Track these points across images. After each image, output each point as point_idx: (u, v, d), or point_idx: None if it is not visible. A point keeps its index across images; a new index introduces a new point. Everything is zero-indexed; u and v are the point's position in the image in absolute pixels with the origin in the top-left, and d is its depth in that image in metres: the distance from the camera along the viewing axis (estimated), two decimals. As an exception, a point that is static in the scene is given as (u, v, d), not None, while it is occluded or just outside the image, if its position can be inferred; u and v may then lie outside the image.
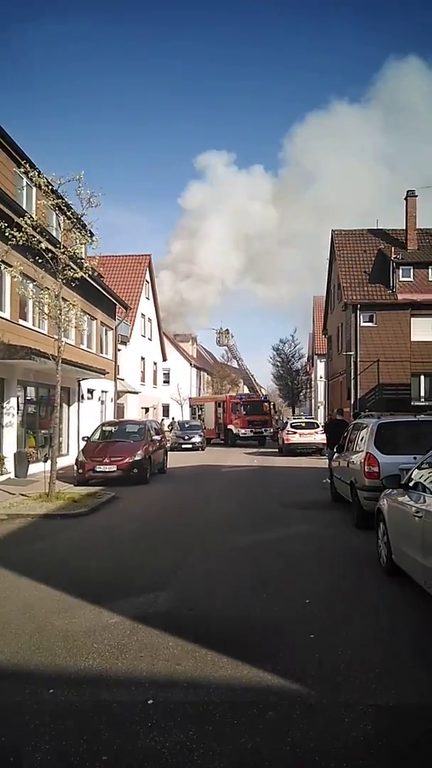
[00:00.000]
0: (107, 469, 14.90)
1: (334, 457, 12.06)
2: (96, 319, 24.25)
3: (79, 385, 21.72)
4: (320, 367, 52.58)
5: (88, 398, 23.25)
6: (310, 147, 74.33)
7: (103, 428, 17.16)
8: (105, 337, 26.75)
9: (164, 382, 50.18)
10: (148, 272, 38.47)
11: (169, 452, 31.64)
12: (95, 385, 23.77)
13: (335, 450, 11.63)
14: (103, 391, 25.32)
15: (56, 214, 13.14)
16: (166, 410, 49.57)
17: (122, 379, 31.70)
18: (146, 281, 38.25)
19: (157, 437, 16.83)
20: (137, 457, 15.22)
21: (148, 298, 38.85)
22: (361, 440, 9.49)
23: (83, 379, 21.55)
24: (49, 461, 12.11)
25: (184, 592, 5.90)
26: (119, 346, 31.63)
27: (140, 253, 38.73)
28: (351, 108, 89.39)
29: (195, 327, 57.32)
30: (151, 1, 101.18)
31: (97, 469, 14.92)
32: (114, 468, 14.89)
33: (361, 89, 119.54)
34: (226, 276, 58.46)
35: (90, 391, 23.56)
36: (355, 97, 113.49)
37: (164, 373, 51.09)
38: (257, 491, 14.03)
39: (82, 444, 16.56)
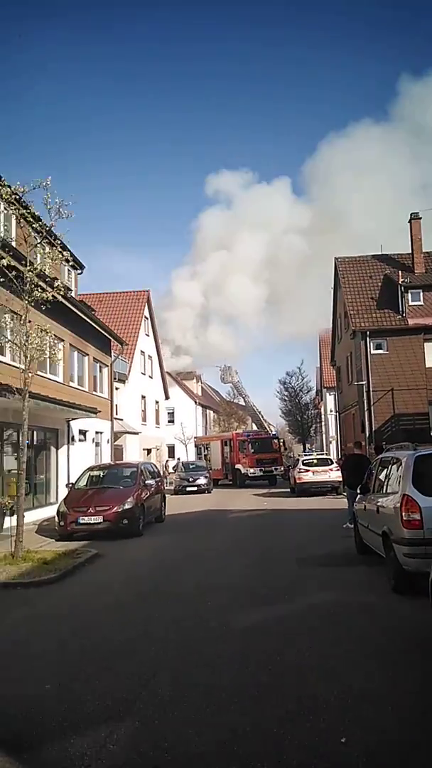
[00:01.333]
0: (92, 521, 12.90)
1: (357, 499, 10.06)
2: (88, 355, 22.61)
3: (69, 425, 19.89)
4: (329, 400, 50.61)
5: (80, 440, 21.37)
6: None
7: (91, 473, 15.22)
8: (99, 375, 25.07)
9: (168, 421, 48.33)
10: (147, 308, 37.15)
11: (173, 495, 29.83)
12: (88, 425, 21.94)
13: (359, 491, 9.63)
14: (97, 432, 23.46)
15: (20, 226, 11.50)
16: (171, 451, 47.55)
17: (120, 419, 29.88)
18: (145, 317, 36.88)
19: (152, 481, 14.85)
20: (127, 506, 13.23)
21: (147, 335, 37.42)
22: (393, 479, 7.53)
23: (73, 419, 19.74)
24: (17, 515, 10.15)
25: (155, 726, 3.89)
26: (117, 385, 29.95)
27: (139, 289, 37.49)
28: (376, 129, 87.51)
29: (199, 364, 55.08)
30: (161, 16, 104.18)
31: (81, 521, 12.93)
32: (100, 519, 12.89)
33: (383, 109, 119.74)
34: (243, 310, 57.10)
35: (82, 433, 21.71)
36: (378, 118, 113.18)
37: (168, 413, 49.31)
38: (268, 542, 11.95)
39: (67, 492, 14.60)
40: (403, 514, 6.64)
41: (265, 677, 4.62)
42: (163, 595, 7.56)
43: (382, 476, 8.35)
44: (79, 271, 23.85)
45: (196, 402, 52.28)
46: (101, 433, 24.25)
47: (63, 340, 19.84)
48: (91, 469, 15.53)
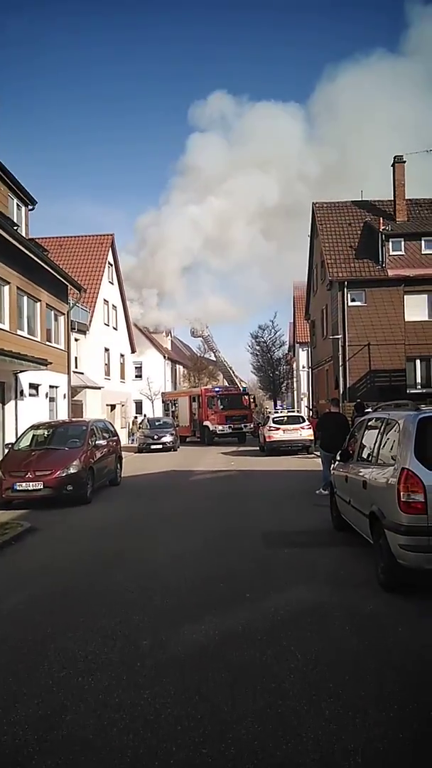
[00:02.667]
0: (31, 487, 11.21)
1: (335, 465, 8.55)
2: (40, 301, 20.41)
3: (17, 379, 17.91)
4: (302, 356, 49.21)
5: (31, 395, 19.43)
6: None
7: (35, 432, 13.43)
8: (55, 324, 22.92)
9: (135, 376, 46.39)
10: (111, 254, 34.59)
11: (136, 454, 28.33)
12: (41, 378, 19.97)
13: (338, 457, 8.09)
14: (52, 387, 21.50)
15: None
16: (138, 407, 45.83)
17: (81, 373, 27.89)
18: (109, 263, 34.37)
19: (103, 441, 13.14)
20: (72, 470, 11.55)
21: (111, 283, 34.99)
22: (386, 447, 5.95)
23: (21, 371, 17.77)
24: None
25: None
26: (76, 336, 27.82)
27: (102, 233, 34.81)
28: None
29: (168, 318, 52.38)
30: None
31: (18, 488, 11.23)
32: (40, 485, 11.21)
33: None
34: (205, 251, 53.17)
35: (34, 387, 19.73)
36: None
37: (135, 367, 47.31)
38: (232, 511, 10.45)
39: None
40: (402, 493, 5.08)
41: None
42: (89, 595, 5.95)
43: (368, 441, 6.78)
44: (31, 207, 21.36)
45: (165, 356, 50.29)
46: (56, 387, 22.30)
47: (9, 283, 17.66)
48: (35, 427, 13.71)
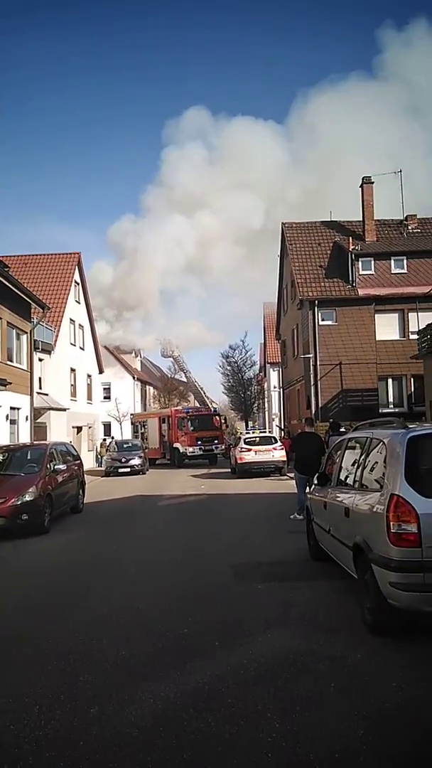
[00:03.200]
0: (-19, 518, 10.24)
1: (312, 489, 7.89)
2: (1, 319, 19.50)
3: (-27, 400, 16.91)
4: (273, 377, 48.92)
5: (-11, 417, 18.42)
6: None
7: (-12, 457, 12.46)
8: (17, 343, 21.98)
9: (104, 397, 45.33)
10: (77, 272, 33.82)
11: (103, 478, 27.25)
12: (1, 400, 18.95)
13: (315, 481, 7.45)
14: (13, 408, 20.47)
15: None
16: (107, 429, 44.68)
17: (45, 394, 26.84)
18: (75, 282, 33.57)
19: (63, 466, 12.25)
20: (27, 497, 10.63)
21: (78, 302, 34.16)
22: (371, 470, 5.33)
23: (-22, 392, 16.77)
24: None
25: None
26: (41, 356, 26.87)
27: (68, 251, 34.06)
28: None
29: (139, 340, 51.50)
30: None
31: (-35, 518, 10.24)
32: (-10, 515, 10.25)
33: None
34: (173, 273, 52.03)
35: (-8, 408, 18.73)
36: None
37: (104, 389, 46.27)
38: (200, 540, 9.67)
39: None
40: (392, 523, 4.44)
41: None
42: (29, 647, 5.10)
43: (349, 463, 6.15)
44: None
45: (134, 377, 49.37)
46: (18, 409, 21.26)
47: None
48: (-12, 451, 12.74)
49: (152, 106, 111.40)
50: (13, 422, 20.75)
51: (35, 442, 14.97)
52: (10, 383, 17.69)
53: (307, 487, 11.37)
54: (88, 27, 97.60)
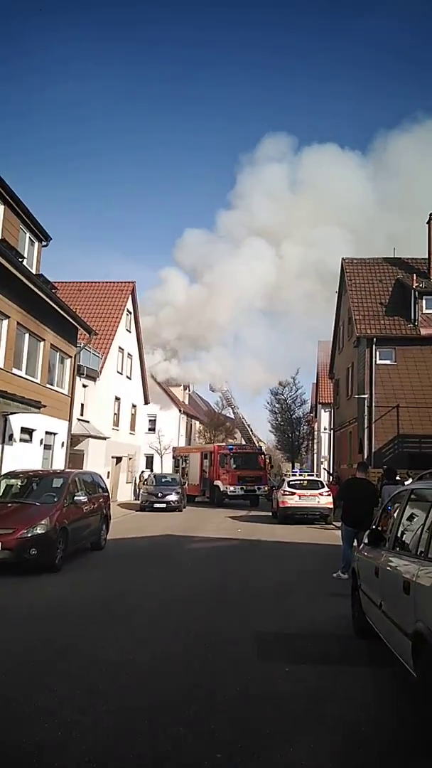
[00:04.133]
0: (-15, 548, 9.24)
1: (361, 548, 6.45)
2: (44, 340, 19.03)
3: (7, 420, 16.25)
4: (325, 418, 46.98)
5: (23, 440, 17.72)
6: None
7: (6, 482, 11.55)
8: (61, 367, 21.49)
9: (149, 429, 44.67)
10: (130, 301, 33.62)
11: (137, 512, 26.11)
12: (35, 423, 18.28)
13: (366, 539, 6.04)
14: (48, 433, 19.78)
15: None
16: (149, 462, 43.80)
17: (86, 421, 26.22)
18: (128, 311, 33.33)
19: (83, 497, 11.17)
20: (39, 530, 9.56)
21: (128, 331, 33.84)
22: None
23: (11, 413, 16.12)
24: None
25: None
26: (85, 382, 26.39)
27: (123, 280, 34.01)
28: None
29: (194, 373, 50.80)
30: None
31: (-31, 548, 9.26)
32: (-3, 547, 9.24)
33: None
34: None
35: (27, 431, 18.05)
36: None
37: (149, 420, 45.66)
38: (225, 598, 8.29)
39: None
40: None
41: None
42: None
43: (412, 523, 4.75)
44: (44, 244, 20.38)
45: (180, 410, 48.55)
46: (54, 434, 20.58)
47: (8, 317, 16.35)
48: (7, 476, 11.85)
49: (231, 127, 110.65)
50: (47, 447, 20.04)
51: (58, 470, 14.03)
52: (45, 406, 16.98)
53: (355, 544, 9.87)
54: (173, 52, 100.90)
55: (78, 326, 21.73)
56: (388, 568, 4.83)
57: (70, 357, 22.11)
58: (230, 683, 4.83)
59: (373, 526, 5.88)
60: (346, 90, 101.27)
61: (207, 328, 46.29)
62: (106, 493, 13.88)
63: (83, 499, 11.17)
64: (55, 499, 10.60)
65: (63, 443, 21.42)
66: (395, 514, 5.51)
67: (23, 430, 17.71)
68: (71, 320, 20.64)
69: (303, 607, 7.62)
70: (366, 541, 5.89)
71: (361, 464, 10.55)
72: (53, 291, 19.42)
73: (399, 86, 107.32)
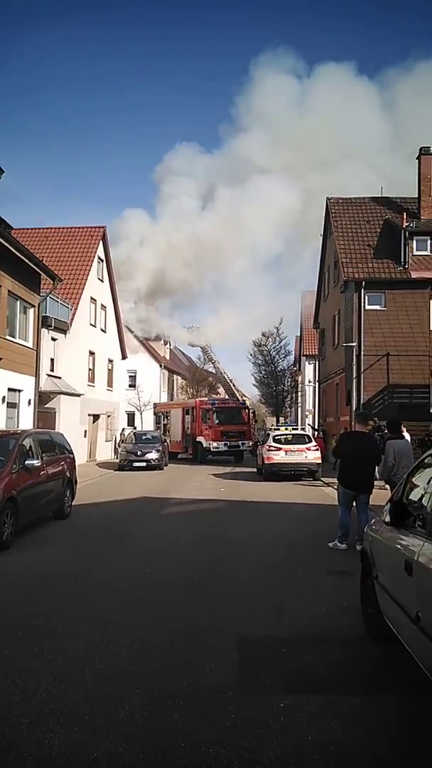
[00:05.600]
0: None
1: (380, 527, 4.90)
2: (0, 286, 17.01)
3: (-43, 377, 14.45)
4: (309, 370, 45.66)
5: (-20, 398, 15.98)
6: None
7: None
8: (22, 317, 19.52)
9: (129, 386, 42.98)
10: (102, 247, 31.29)
11: (116, 472, 24.72)
12: (-6, 379, 16.51)
13: (387, 512, 4.49)
14: (11, 390, 18.01)
15: None
16: (131, 419, 42.30)
17: (57, 377, 24.43)
18: (99, 258, 31.05)
19: (36, 462, 9.53)
20: (-23, 503, 7.97)
21: (101, 280, 31.64)
22: None
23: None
24: None
25: None
26: (54, 335, 24.43)
27: (93, 225, 31.54)
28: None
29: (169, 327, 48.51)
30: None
31: None
32: None
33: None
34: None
35: (-15, 388, 16.29)
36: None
37: (129, 376, 43.92)
38: (198, 582, 6.82)
39: None
40: None
41: None
42: None
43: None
44: (-5, 176, 18.08)
45: (161, 365, 46.82)
46: (19, 391, 18.81)
47: None
48: None
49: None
50: (11, 406, 18.31)
51: (5, 430, 12.24)
52: (1, 358, 15.19)
53: (354, 505, 8.47)
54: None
55: (39, 271, 19.64)
56: (410, 550, 3.33)
57: (33, 306, 20.11)
58: (200, 730, 3.33)
59: (396, 497, 4.35)
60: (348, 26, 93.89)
61: (182, 281, 44.08)
62: (71, 455, 12.29)
63: (36, 463, 9.55)
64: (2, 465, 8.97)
65: (30, 401, 19.69)
66: (422, 483, 4.00)
67: (-21, 386, 15.95)
68: (30, 263, 18.50)
69: (297, 594, 6.19)
70: (386, 517, 4.36)
71: (360, 415, 8.96)
72: (7, 230, 17.27)
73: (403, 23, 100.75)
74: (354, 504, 8.46)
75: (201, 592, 6.28)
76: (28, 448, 9.81)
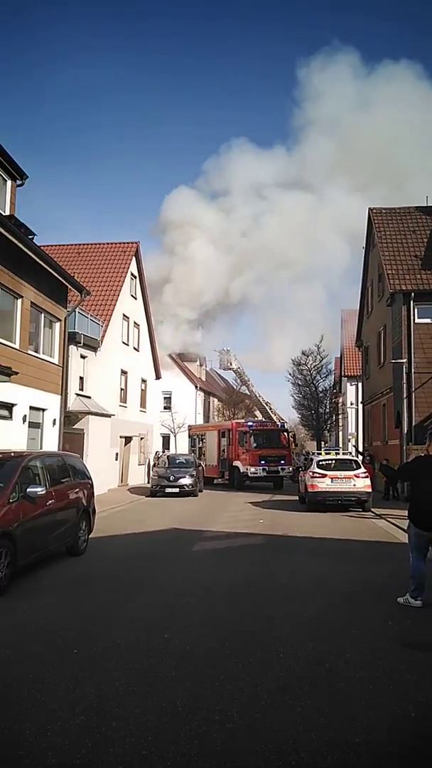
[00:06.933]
0: None
1: None
2: (21, 297, 15.95)
3: (-28, 393, 13.27)
4: (351, 392, 43.45)
5: (0, 416, 14.78)
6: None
7: None
8: (48, 331, 18.43)
9: (164, 407, 41.84)
10: (135, 264, 30.36)
11: (147, 498, 23.19)
12: (14, 396, 15.32)
13: None
14: (33, 408, 16.79)
15: None
16: (166, 442, 40.98)
17: (87, 396, 23.24)
18: (132, 275, 30.10)
19: (40, 490, 8.08)
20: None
21: (134, 297, 30.63)
22: None
23: (-23, 383, 13.12)
24: None
25: None
26: (84, 352, 23.35)
27: (127, 240, 30.69)
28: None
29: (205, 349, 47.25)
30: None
31: None
32: None
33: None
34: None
35: (5, 406, 15.09)
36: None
37: (165, 398, 42.78)
38: (235, 649, 5.15)
39: None
40: None
41: None
42: None
43: None
44: (19, 183, 17.18)
45: (196, 387, 45.48)
46: (43, 410, 17.60)
47: None
48: None
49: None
50: (34, 426, 17.07)
51: (7, 451, 10.82)
52: (16, 373, 13.96)
53: (430, 551, 6.67)
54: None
55: (66, 283, 18.56)
56: None
57: (60, 320, 19.00)
58: None
59: None
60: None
61: (220, 298, 42.53)
62: (89, 480, 10.82)
63: (40, 491, 8.08)
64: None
65: (55, 420, 18.45)
66: None
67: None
68: (55, 274, 17.43)
69: (367, 685, 4.44)
70: None
71: None
72: (30, 237, 16.24)
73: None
74: (431, 549, 6.67)
75: (222, 679, 4.58)
76: (34, 473, 8.37)
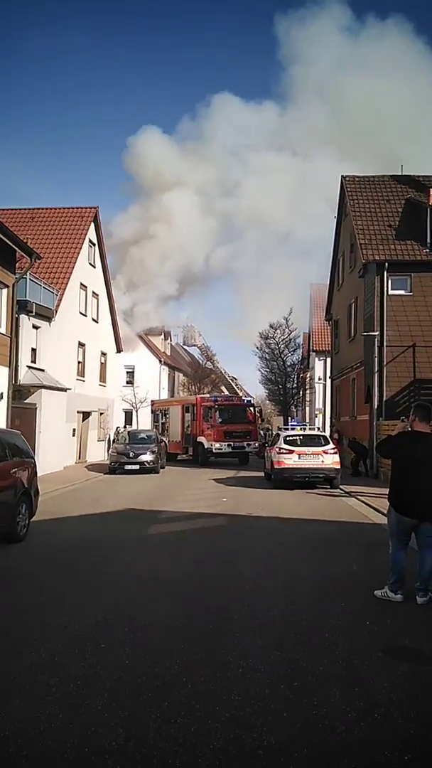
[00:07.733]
0: None
1: None
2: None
3: None
4: (319, 367, 42.82)
5: None
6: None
7: None
8: (-7, 298, 16.92)
9: (127, 382, 40.55)
10: (93, 230, 28.67)
11: (105, 476, 22.12)
12: None
13: None
14: (-22, 381, 15.40)
15: None
16: (129, 417, 39.75)
17: (40, 369, 21.82)
18: (90, 242, 28.43)
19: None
20: None
21: (92, 265, 29.01)
22: None
23: None
24: None
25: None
26: (36, 322, 21.84)
27: (85, 205, 28.90)
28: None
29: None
30: None
31: None
32: None
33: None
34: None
35: None
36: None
37: (127, 372, 41.46)
38: (188, 662, 4.19)
39: None
40: None
41: None
42: None
43: None
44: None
45: (161, 361, 44.22)
46: (-11, 382, 16.21)
47: None
48: None
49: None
50: (-22, 400, 15.70)
51: None
52: None
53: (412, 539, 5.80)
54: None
55: (13, 246, 16.99)
56: None
57: (7, 286, 17.48)
58: None
59: None
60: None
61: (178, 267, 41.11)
62: (31, 459, 9.66)
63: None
64: None
65: (2, 394, 17.07)
66: None
67: None
68: (1, 236, 15.88)
69: (345, 705, 3.52)
70: None
71: (423, 408, 6.10)
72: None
73: None
74: (414, 536, 5.80)
75: (182, 689, 3.61)
76: None
